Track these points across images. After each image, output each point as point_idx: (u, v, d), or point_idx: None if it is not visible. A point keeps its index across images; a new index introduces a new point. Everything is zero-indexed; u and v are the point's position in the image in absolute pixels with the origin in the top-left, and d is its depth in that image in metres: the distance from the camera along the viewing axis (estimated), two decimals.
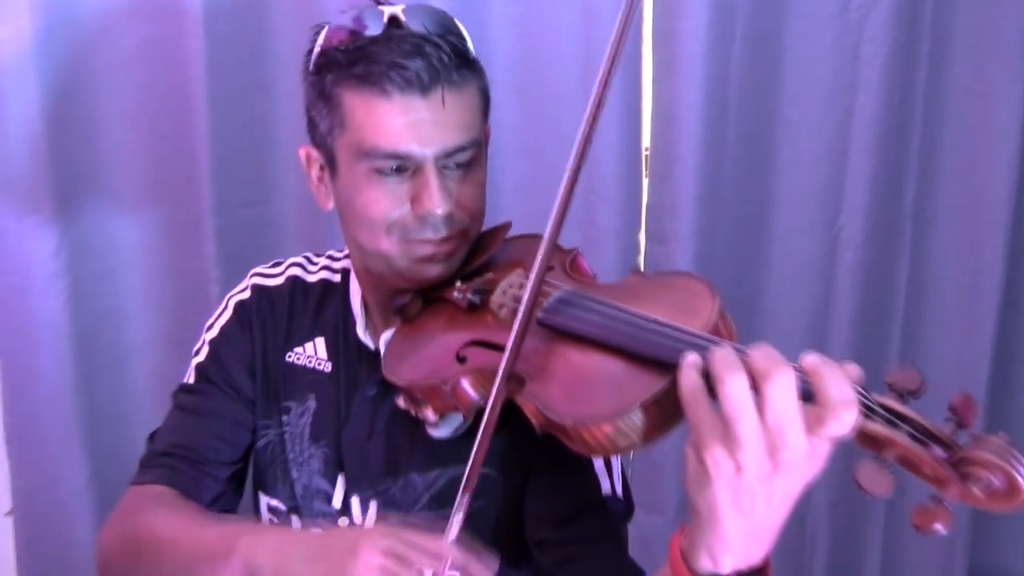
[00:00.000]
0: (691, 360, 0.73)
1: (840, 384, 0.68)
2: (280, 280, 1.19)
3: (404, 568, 0.81)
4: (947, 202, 1.80)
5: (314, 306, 1.17)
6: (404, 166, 0.98)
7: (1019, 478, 0.64)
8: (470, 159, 1.01)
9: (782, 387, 0.68)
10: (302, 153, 1.08)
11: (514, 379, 0.88)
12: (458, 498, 0.85)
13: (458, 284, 1.04)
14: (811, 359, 0.70)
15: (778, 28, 1.69)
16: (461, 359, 0.95)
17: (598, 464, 1.02)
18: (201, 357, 1.18)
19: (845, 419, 0.67)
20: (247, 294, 1.19)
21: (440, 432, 1.03)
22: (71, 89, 1.57)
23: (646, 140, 1.74)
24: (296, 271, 1.20)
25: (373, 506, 1.09)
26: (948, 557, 1.95)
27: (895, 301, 1.83)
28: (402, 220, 0.99)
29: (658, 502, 1.83)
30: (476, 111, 1.01)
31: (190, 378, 1.18)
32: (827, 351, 1.78)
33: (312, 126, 1.04)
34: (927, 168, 1.78)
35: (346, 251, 1.18)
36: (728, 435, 0.69)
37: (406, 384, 0.99)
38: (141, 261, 1.68)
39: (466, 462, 1.01)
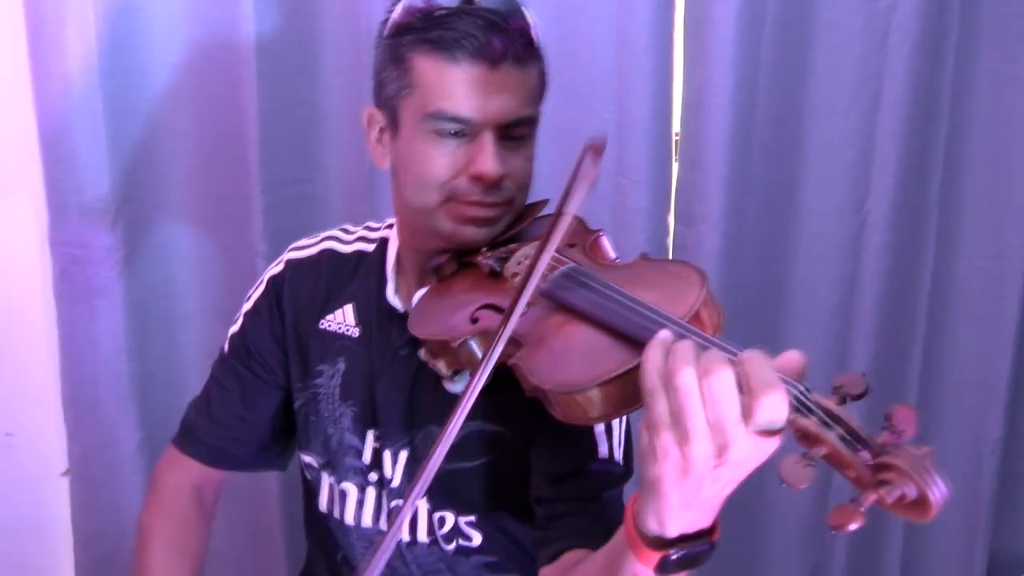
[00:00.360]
0: (657, 341, 0.76)
1: (764, 371, 0.70)
2: (314, 251, 1.26)
3: None
4: (973, 188, 1.82)
5: (347, 276, 1.23)
6: (464, 131, 1.03)
7: (930, 493, 0.65)
8: (524, 134, 1.07)
9: (721, 381, 0.70)
10: (365, 113, 1.14)
11: (513, 343, 0.92)
12: (414, 491, 0.87)
13: (483, 250, 1.10)
14: (745, 352, 0.72)
15: (807, 15, 1.73)
16: (474, 320, 1.01)
17: (598, 428, 1.07)
18: (236, 327, 1.27)
19: (770, 405, 0.69)
20: (280, 267, 1.26)
21: (455, 387, 1.09)
22: (130, 72, 1.66)
23: (676, 126, 1.79)
24: (330, 243, 1.26)
25: (403, 456, 1.15)
26: (968, 544, 1.98)
27: (920, 285, 1.86)
28: (454, 181, 1.05)
29: None
30: (534, 91, 1.07)
31: (225, 346, 1.28)
32: (852, 333, 1.85)
33: (379, 88, 1.09)
34: (953, 154, 1.80)
35: (386, 221, 1.25)
36: (678, 426, 0.71)
37: (422, 337, 1.05)
38: (192, 235, 1.77)
39: (481, 419, 1.09)
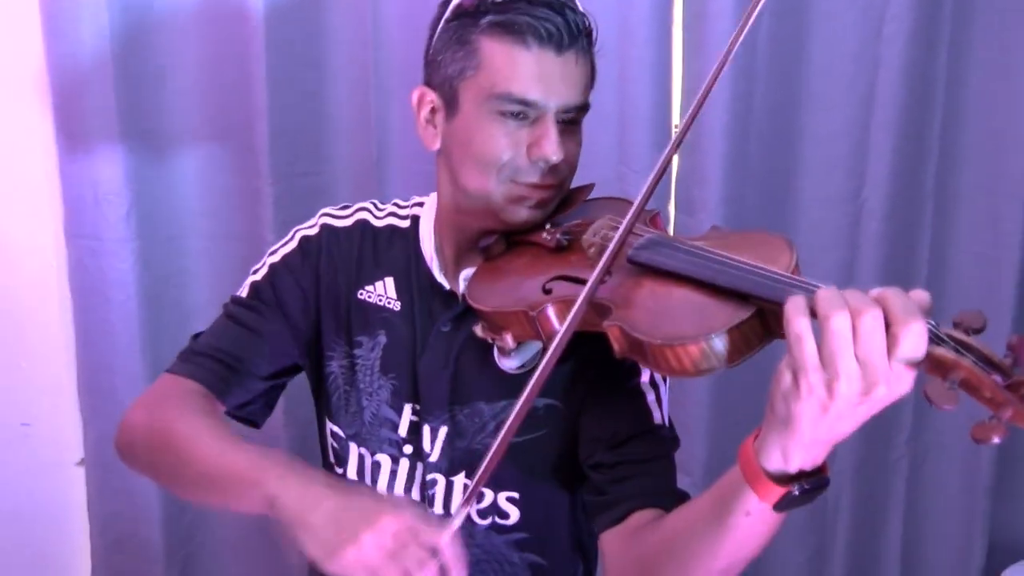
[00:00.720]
0: (799, 300, 0.79)
1: (905, 304, 0.75)
2: (349, 222, 1.26)
3: (410, 548, 0.90)
4: (968, 176, 1.86)
5: (384, 247, 1.24)
6: (527, 113, 1.07)
7: None
8: (578, 120, 1.12)
9: (872, 320, 0.74)
10: (415, 95, 1.15)
11: (598, 308, 0.97)
12: (468, 491, 0.94)
13: (548, 227, 1.13)
14: (878, 290, 0.77)
15: (804, 6, 1.77)
16: (547, 291, 1.05)
17: (650, 397, 1.11)
18: (258, 276, 1.24)
19: (913, 335, 0.74)
20: (315, 230, 1.25)
21: (511, 363, 1.12)
22: (142, 68, 1.70)
23: (675, 117, 1.83)
24: (364, 215, 1.27)
25: (443, 432, 1.17)
26: (967, 528, 2.02)
27: (917, 272, 1.90)
28: (514, 161, 1.08)
29: (687, 463, 1.92)
30: (590, 79, 1.12)
31: (243, 292, 1.25)
32: None
33: (435, 68, 1.12)
34: (948, 143, 1.84)
35: (413, 200, 1.27)
36: (830, 366, 0.75)
37: (492, 310, 1.08)
38: (204, 226, 1.81)
39: (537, 394, 1.08)
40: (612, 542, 1.06)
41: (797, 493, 0.83)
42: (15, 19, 1.71)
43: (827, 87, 1.81)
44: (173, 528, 1.91)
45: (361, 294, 1.23)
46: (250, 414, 1.24)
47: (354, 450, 1.23)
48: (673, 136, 1.82)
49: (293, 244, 1.26)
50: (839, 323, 0.75)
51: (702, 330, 0.87)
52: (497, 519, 1.18)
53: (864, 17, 1.76)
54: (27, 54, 1.71)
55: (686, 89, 1.80)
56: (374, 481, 1.22)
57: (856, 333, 0.75)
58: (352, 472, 1.23)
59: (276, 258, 1.25)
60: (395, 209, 1.28)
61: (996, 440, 0.74)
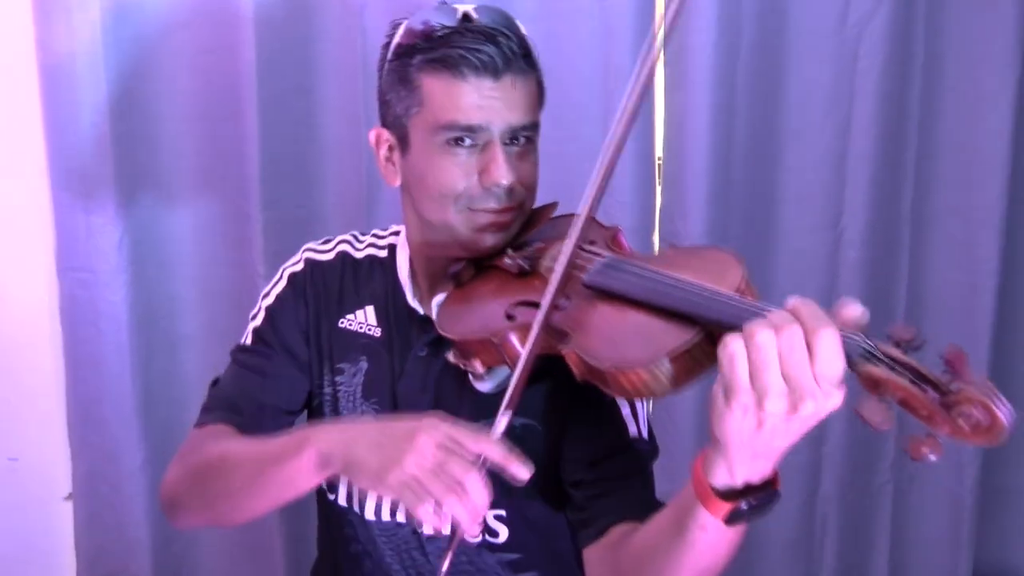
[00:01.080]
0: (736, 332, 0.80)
1: (814, 312, 0.76)
2: (331, 255, 1.30)
3: (452, 458, 0.93)
4: (943, 204, 1.90)
5: (363, 278, 1.28)
6: (474, 141, 1.10)
7: (999, 413, 0.72)
8: (529, 139, 1.14)
9: (792, 335, 0.76)
10: (372, 135, 1.20)
11: (556, 333, 0.98)
12: (502, 406, 0.97)
13: (509, 252, 1.14)
14: (793, 300, 0.79)
15: (781, 42, 1.83)
16: (510, 316, 1.06)
17: (625, 411, 1.13)
18: (258, 321, 1.29)
19: (826, 341, 0.75)
20: (300, 266, 1.30)
21: (485, 386, 1.13)
22: (135, 98, 1.75)
23: (659, 150, 1.88)
24: (345, 247, 1.31)
25: None
26: (953, 555, 2.03)
27: (896, 298, 1.94)
28: (468, 190, 1.10)
29: (676, 492, 1.93)
30: (535, 98, 1.14)
31: (247, 339, 1.29)
32: None
33: (386, 108, 1.16)
34: (923, 171, 1.89)
35: (390, 229, 1.30)
36: (757, 384, 0.77)
37: (459, 338, 1.09)
38: (195, 255, 1.84)
39: (512, 411, 1.10)
40: (592, 557, 1.07)
41: (745, 508, 0.85)
42: (10, 51, 1.76)
43: (805, 119, 1.86)
44: (162, 560, 1.90)
45: (342, 323, 1.26)
46: None
47: (344, 476, 1.24)
48: (658, 165, 1.87)
49: (283, 282, 1.30)
50: (762, 340, 0.77)
51: (650, 355, 0.88)
52: (488, 537, 1.19)
53: (839, 51, 1.82)
54: (22, 85, 1.75)
55: (668, 122, 1.85)
56: (362, 507, 1.23)
57: (779, 350, 0.76)
58: (343, 498, 1.25)
59: (270, 300, 1.30)
60: (374, 240, 1.32)
61: (932, 458, 0.75)
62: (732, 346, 0.78)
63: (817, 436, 1.97)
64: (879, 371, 0.76)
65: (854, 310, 0.79)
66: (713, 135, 1.81)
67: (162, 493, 1.22)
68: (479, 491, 0.93)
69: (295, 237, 1.78)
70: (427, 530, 1.17)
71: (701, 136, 1.81)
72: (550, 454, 1.15)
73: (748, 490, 0.85)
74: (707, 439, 1.91)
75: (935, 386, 0.75)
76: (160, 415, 1.86)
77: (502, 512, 1.18)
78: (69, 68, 1.69)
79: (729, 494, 0.84)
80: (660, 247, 1.89)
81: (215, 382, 1.30)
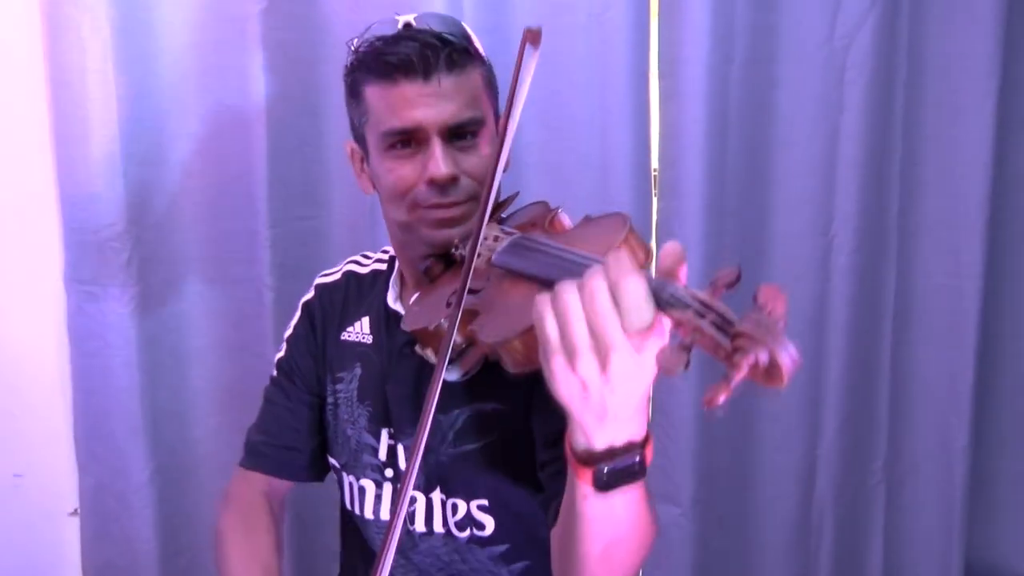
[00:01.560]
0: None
1: (621, 263, 0.76)
2: (338, 276, 1.40)
3: None
4: (928, 209, 1.98)
5: (366, 291, 1.35)
6: (416, 142, 1.13)
7: (779, 355, 0.68)
8: (474, 132, 1.16)
9: (596, 287, 0.75)
10: (347, 148, 1.26)
11: (474, 315, 0.99)
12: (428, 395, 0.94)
13: (456, 243, 1.16)
14: (608, 255, 0.78)
15: (771, 55, 1.90)
16: (448, 304, 1.07)
17: None
18: (281, 353, 1.41)
19: (631, 287, 0.74)
20: (312, 294, 1.41)
21: (452, 375, 1.16)
22: (145, 116, 1.76)
23: (655, 161, 1.93)
24: (351, 267, 1.40)
25: None
26: (946, 546, 2.09)
27: (885, 301, 2.01)
28: (415, 189, 1.14)
29: (673, 493, 1.97)
30: (477, 92, 1.16)
31: (274, 372, 1.41)
32: (825, 347, 1.98)
33: (351, 123, 1.21)
34: (909, 179, 1.96)
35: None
36: (565, 344, 0.77)
37: (412, 329, 1.12)
38: (203, 271, 1.86)
39: (479, 401, 1.18)
40: (552, 540, 1.06)
41: (605, 471, 0.82)
42: (18, 63, 1.77)
43: (795, 129, 1.92)
44: (170, 574, 1.91)
45: (343, 336, 1.34)
46: (306, 470, 1.39)
47: (346, 479, 1.31)
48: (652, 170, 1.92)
49: (299, 314, 1.41)
50: (566, 297, 0.76)
51: (523, 323, 0.85)
52: (475, 531, 1.22)
53: (827, 64, 1.89)
54: (30, 99, 1.76)
55: (663, 134, 1.90)
56: (361, 507, 1.29)
57: (583, 303, 0.75)
58: (347, 500, 1.32)
59: (289, 331, 1.41)
60: (381, 255, 1.40)
61: (721, 399, 0.69)
62: (540, 305, 0.78)
63: (811, 437, 2.02)
64: (682, 315, 0.73)
65: (671, 249, 0.78)
66: (707, 145, 1.87)
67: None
68: None
69: (302, 251, 1.84)
70: (460, 533, 1.23)
71: (696, 147, 1.87)
72: (521, 439, 1.16)
73: (612, 453, 0.82)
74: (706, 440, 1.96)
75: (731, 327, 0.71)
76: (168, 430, 1.87)
77: (484, 501, 1.21)
78: (79, 85, 1.71)
79: (589, 457, 0.83)
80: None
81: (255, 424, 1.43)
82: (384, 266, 1.37)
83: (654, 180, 1.94)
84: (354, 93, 1.18)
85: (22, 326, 1.88)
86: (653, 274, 0.78)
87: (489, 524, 1.22)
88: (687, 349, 0.72)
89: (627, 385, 0.77)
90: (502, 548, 1.23)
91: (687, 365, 0.71)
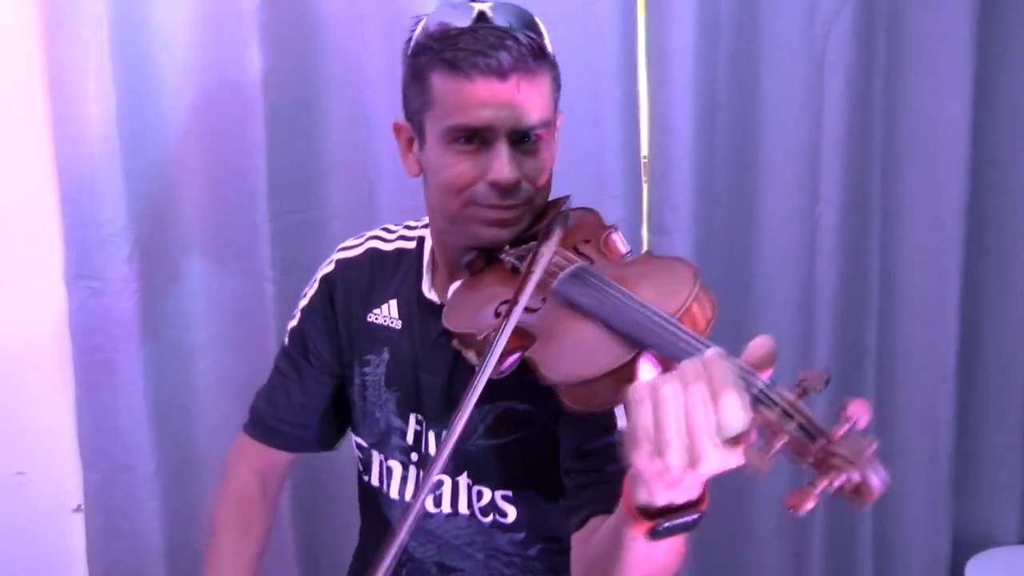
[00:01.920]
0: (649, 361, 0.85)
1: (723, 372, 0.77)
2: (360, 251, 1.36)
3: None
4: (909, 190, 2.04)
5: (391, 272, 1.34)
6: (481, 140, 1.13)
7: (871, 479, 0.71)
8: (538, 137, 1.16)
9: (696, 392, 0.76)
10: (394, 126, 1.25)
11: (526, 335, 1.00)
12: (439, 464, 0.94)
13: (507, 248, 1.16)
14: (709, 352, 0.79)
15: (755, 43, 1.95)
16: (497, 314, 1.08)
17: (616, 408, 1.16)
18: (294, 322, 1.40)
19: (729, 404, 0.75)
20: (332, 267, 1.37)
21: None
22: (145, 113, 1.78)
23: (644, 149, 1.98)
24: (374, 243, 1.37)
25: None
26: (934, 521, 2.16)
27: (870, 281, 2.06)
28: (474, 187, 1.14)
29: None
30: (547, 98, 1.16)
31: (286, 340, 1.40)
32: (812, 325, 2.04)
33: (406, 102, 1.21)
34: (890, 160, 2.03)
35: (423, 220, 1.35)
36: (659, 437, 0.77)
37: (455, 331, 1.14)
38: (204, 265, 1.88)
39: (512, 399, 1.19)
40: (574, 545, 1.09)
41: (663, 528, 0.85)
42: (16, 61, 1.78)
43: (779, 115, 1.98)
44: (177, 567, 1.92)
45: (370, 317, 1.33)
46: (313, 444, 1.42)
47: (376, 457, 1.33)
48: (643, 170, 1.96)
49: (316, 286, 1.38)
50: (667, 393, 0.76)
51: (590, 370, 0.89)
52: (497, 517, 1.25)
53: (808, 49, 1.95)
54: (31, 99, 1.78)
55: (652, 122, 1.95)
56: (389, 485, 1.31)
57: (685, 405, 0.76)
58: (375, 478, 1.33)
59: (305, 302, 1.39)
60: (405, 232, 1.37)
61: (809, 506, 0.72)
62: (640, 392, 0.79)
63: None
64: (770, 416, 0.76)
65: (761, 345, 0.80)
66: (696, 133, 1.92)
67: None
68: None
69: (302, 244, 1.86)
70: (483, 518, 1.25)
71: (685, 135, 1.91)
72: (548, 441, 1.18)
73: (670, 510, 0.85)
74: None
75: (825, 435, 0.73)
76: (172, 423, 1.89)
77: (508, 492, 1.23)
78: (78, 83, 1.73)
79: (650, 513, 0.85)
80: (645, 248, 1.97)
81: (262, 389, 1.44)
82: (411, 245, 1.34)
83: (644, 168, 1.98)
84: (417, 76, 1.15)
85: (23, 323, 1.89)
86: (740, 362, 0.79)
87: (511, 513, 1.24)
88: (774, 453, 0.74)
89: (706, 477, 0.80)
90: (521, 535, 1.25)
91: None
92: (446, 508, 1.27)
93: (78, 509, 1.96)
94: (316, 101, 1.85)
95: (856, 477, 0.71)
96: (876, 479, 0.71)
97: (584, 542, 1.06)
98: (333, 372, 1.37)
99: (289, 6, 1.80)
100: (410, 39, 1.19)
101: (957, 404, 2.10)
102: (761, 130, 1.99)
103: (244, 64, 1.79)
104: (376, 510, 1.35)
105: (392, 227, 1.39)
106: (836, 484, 0.71)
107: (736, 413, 0.75)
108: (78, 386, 1.86)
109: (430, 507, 1.27)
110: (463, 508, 1.26)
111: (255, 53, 1.78)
